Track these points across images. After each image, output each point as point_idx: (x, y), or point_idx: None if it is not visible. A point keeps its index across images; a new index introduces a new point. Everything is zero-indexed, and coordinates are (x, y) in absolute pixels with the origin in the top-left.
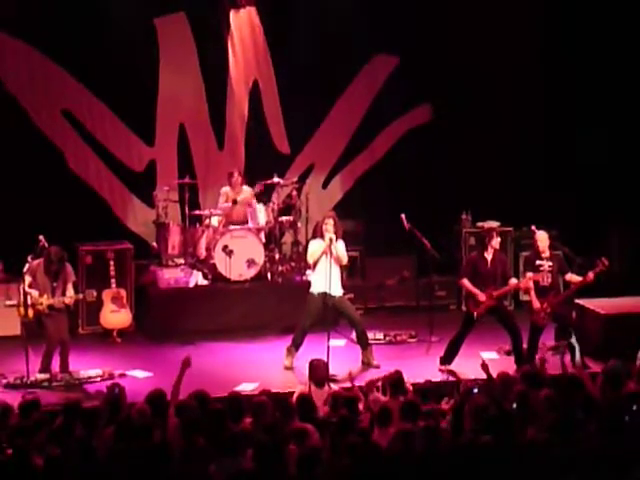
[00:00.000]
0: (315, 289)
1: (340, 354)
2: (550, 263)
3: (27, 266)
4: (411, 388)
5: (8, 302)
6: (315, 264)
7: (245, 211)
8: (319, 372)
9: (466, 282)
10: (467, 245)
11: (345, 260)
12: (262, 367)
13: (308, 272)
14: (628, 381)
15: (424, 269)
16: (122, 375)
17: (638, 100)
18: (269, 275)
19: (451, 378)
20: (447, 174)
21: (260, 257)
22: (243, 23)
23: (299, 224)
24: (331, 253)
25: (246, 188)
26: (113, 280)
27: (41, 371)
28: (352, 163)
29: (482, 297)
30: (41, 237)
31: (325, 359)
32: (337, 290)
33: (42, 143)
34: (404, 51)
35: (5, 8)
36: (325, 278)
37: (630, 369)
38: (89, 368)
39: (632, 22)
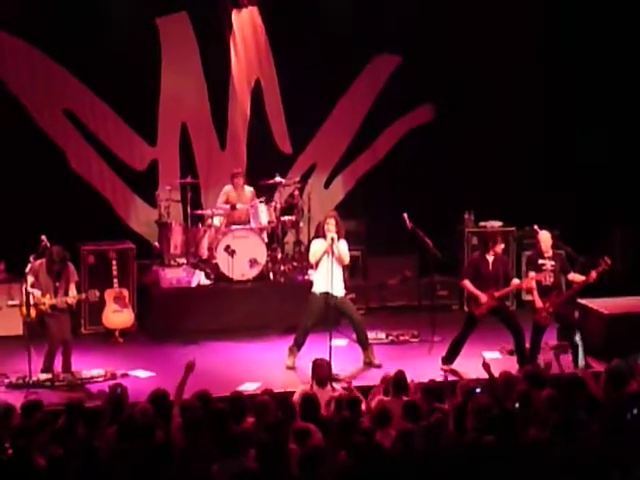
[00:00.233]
0: (317, 289)
1: (342, 354)
2: (553, 262)
3: (29, 266)
4: (414, 387)
5: (10, 302)
6: (317, 264)
7: (247, 211)
8: (321, 372)
9: (467, 283)
10: (469, 245)
11: (347, 260)
12: (264, 367)
13: (310, 272)
14: (631, 381)
15: (426, 269)
16: (124, 375)
17: (638, 100)
18: (271, 275)
19: (453, 378)
20: (449, 173)
21: (262, 257)
22: (245, 23)
23: (301, 224)
24: (333, 253)
25: (248, 188)
26: (115, 280)
27: (43, 371)
28: (354, 163)
29: (483, 298)
30: (43, 237)
31: (327, 359)
32: (339, 290)
33: (44, 143)
34: (406, 51)
35: (6, 7)
36: (327, 278)
37: (633, 369)
38: (91, 368)
39: (632, 22)
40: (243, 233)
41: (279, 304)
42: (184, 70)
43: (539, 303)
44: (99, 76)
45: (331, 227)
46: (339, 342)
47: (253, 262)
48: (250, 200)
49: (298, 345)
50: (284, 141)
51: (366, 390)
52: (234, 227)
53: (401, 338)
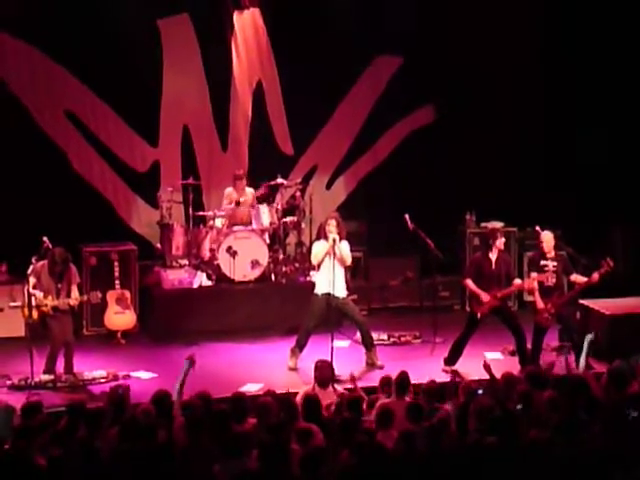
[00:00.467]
0: (319, 290)
1: (344, 355)
2: (555, 263)
3: (31, 267)
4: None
5: (12, 303)
6: (319, 265)
7: (249, 212)
8: (323, 373)
9: (469, 283)
10: (471, 245)
11: (349, 261)
12: (266, 368)
13: (312, 273)
14: (632, 382)
15: (428, 269)
16: (126, 376)
17: (638, 100)
18: (273, 276)
19: (456, 379)
20: (450, 174)
21: (264, 258)
22: (247, 24)
23: (303, 225)
24: (335, 254)
25: (249, 189)
26: (117, 281)
27: (45, 372)
28: (355, 164)
29: (485, 298)
30: (45, 238)
31: (329, 360)
32: (341, 291)
33: (45, 144)
34: (407, 52)
35: (7, 8)
36: (329, 279)
37: (634, 370)
38: (93, 369)
39: (632, 22)
40: (245, 234)
41: (281, 305)
42: (186, 71)
43: (541, 304)
44: (100, 77)
45: (332, 228)
46: (341, 343)
47: (255, 263)
48: (251, 201)
49: (300, 346)
50: (286, 142)
51: (368, 391)
52: (236, 228)
53: (403, 339)
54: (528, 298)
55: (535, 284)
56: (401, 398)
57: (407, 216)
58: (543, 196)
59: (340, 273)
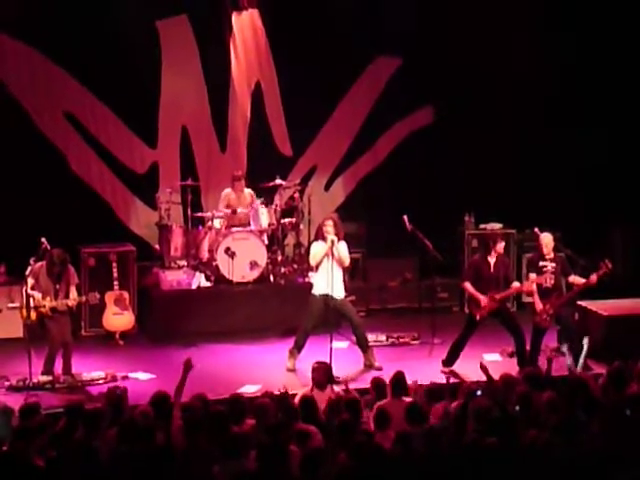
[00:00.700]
0: (317, 291)
1: (343, 356)
2: (553, 265)
3: (30, 268)
4: (415, 389)
5: (11, 304)
6: (317, 266)
7: (247, 213)
8: (319, 375)
9: (468, 285)
10: (470, 247)
11: (347, 262)
12: (265, 369)
13: (310, 274)
14: (631, 383)
15: (426, 271)
16: (125, 377)
17: (638, 100)
18: (271, 277)
19: (454, 380)
20: (449, 176)
21: (262, 259)
22: (245, 25)
23: (301, 226)
24: (333, 255)
25: (247, 191)
26: (116, 282)
27: (44, 373)
28: (354, 165)
29: (484, 301)
30: (43, 239)
31: (327, 361)
32: (339, 292)
33: (44, 145)
34: (406, 53)
35: (7, 9)
36: (327, 280)
37: (633, 370)
38: (92, 370)
39: (632, 22)
40: (243, 235)
41: (279, 306)
42: (184, 73)
43: (539, 305)
44: (99, 79)
45: (329, 229)
46: (340, 344)
47: (253, 264)
48: (250, 203)
49: (298, 347)
50: (284, 143)
51: (366, 393)
52: (234, 229)
53: (401, 340)
54: (527, 299)
55: (534, 286)
56: (397, 398)
57: (406, 217)
58: (542, 197)
59: (338, 274)
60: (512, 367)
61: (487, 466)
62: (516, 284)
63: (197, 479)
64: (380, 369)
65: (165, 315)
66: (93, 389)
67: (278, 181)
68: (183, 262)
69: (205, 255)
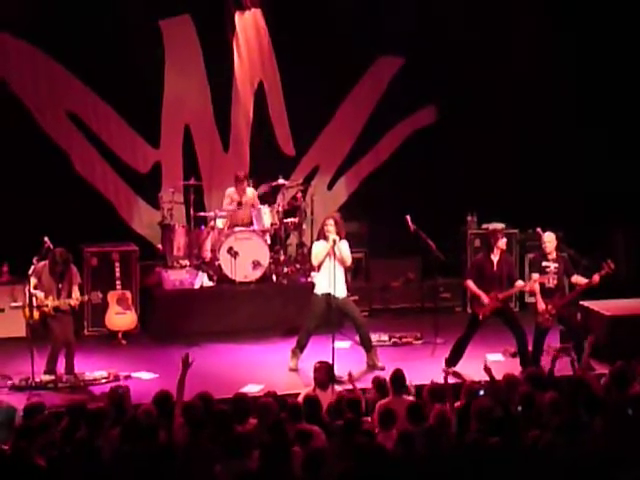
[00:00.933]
0: (319, 290)
1: (345, 356)
2: (556, 265)
3: (32, 268)
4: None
5: (13, 304)
6: (319, 266)
7: (250, 213)
8: (322, 374)
9: (471, 284)
10: (472, 247)
11: (349, 261)
12: (267, 369)
13: (313, 274)
14: (634, 383)
15: (429, 271)
16: (127, 377)
17: (638, 100)
18: (274, 277)
19: (456, 380)
20: (452, 175)
21: (265, 259)
22: (248, 25)
23: (304, 226)
24: (335, 254)
25: (250, 190)
26: (118, 282)
27: (46, 373)
28: (357, 165)
29: (486, 300)
30: (46, 239)
31: (330, 361)
32: (341, 291)
33: (47, 145)
34: (408, 53)
35: (9, 9)
36: (329, 279)
37: (635, 370)
38: (94, 370)
39: (632, 22)
40: (246, 235)
41: (282, 306)
42: (187, 72)
43: (542, 305)
44: (102, 78)
45: (330, 228)
46: (342, 344)
47: (256, 264)
48: (253, 202)
49: (301, 347)
50: (287, 143)
51: (369, 392)
52: (237, 229)
53: (404, 340)
54: (529, 299)
55: (537, 286)
56: (399, 396)
57: (408, 217)
58: (544, 197)
59: (340, 273)
60: (515, 367)
61: (489, 466)
62: (519, 283)
63: (199, 478)
64: (383, 369)
65: (168, 315)
66: (95, 389)
67: (281, 181)
68: (186, 262)
69: (208, 255)
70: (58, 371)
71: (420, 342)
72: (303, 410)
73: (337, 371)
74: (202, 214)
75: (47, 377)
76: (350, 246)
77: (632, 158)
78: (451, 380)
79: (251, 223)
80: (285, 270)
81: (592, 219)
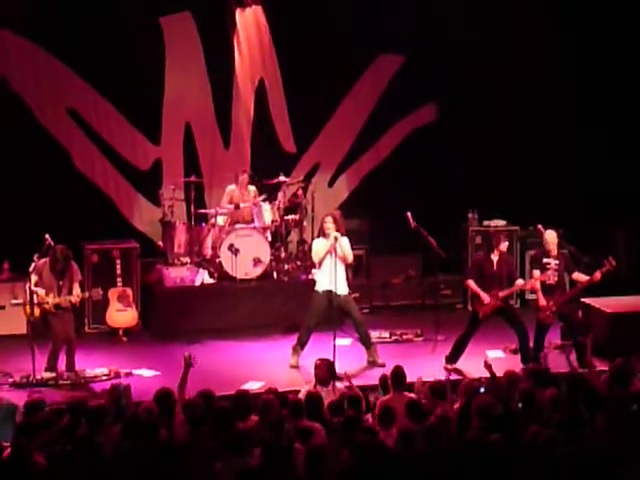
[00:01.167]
0: (320, 287)
1: (346, 353)
2: (557, 262)
3: (33, 265)
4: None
5: (14, 301)
6: (320, 263)
7: (251, 210)
8: (322, 371)
9: (471, 283)
10: (473, 244)
11: (350, 258)
12: (268, 366)
13: (314, 271)
14: (634, 379)
15: (430, 268)
16: (128, 374)
17: (638, 100)
18: (275, 274)
19: (457, 377)
20: (453, 173)
21: (266, 256)
22: (249, 22)
23: (305, 223)
24: (336, 252)
25: (251, 187)
26: (119, 279)
27: (47, 370)
28: (358, 162)
29: (486, 299)
30: (47, 236)
31: (331, 358)
32: (342, 289)
33: (47, 142)
34: (409, 50)
35: (10, 6)
36: (330, 277)
37: (636, 367)
38: (95, 367)
39: (632, 22)
40: (247, 232)
41: (282, 303)
42: (188, 69)
43: (542, 302)
44: (103, 75)
45: (329, 225)
46: (343, 341)
47: (257, 261)
48: (253, 199)
49: (301, 344)
50: (288, 140)
51: (370, 389)
52: (238, 226)
53: (405, 337)
54: (530, 296)
55: (537, 284)
56: (399, 393)
57: (409, 214)
58: (545, 195)
59: (341, 271)
60: (515, 364)
61: (490, 463)
62: (520, 282)
63: (200, 475)
64: (383, 366)
65: (168, 312)
66: (96, 386)
67: (281, 178)
68: (186, 259)
69: (208, 252)
70: (59, 368)
71: (421, 339)
72: (304, 407)
73: (338, 368)
74: (203, 211)
75: (48, 374)
76: (351, 243)
77: (632, 158)
78: (452, 377)
79: (252, 220)
80: (286, 267)
81: (592, 219)
